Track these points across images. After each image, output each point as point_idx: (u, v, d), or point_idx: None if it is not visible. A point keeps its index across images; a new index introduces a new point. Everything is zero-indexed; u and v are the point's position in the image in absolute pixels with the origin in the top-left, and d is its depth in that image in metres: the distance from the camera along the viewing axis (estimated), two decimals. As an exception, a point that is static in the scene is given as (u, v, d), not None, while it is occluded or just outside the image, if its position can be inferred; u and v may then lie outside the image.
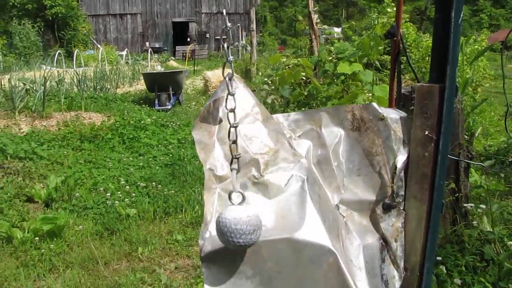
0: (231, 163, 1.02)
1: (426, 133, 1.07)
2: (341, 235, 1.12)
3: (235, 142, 1.02)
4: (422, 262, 1.15)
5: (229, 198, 0.98)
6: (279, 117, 1.23)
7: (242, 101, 1.10)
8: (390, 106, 1.33)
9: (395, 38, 1.21)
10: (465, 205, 2.74)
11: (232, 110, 1.01)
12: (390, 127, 1.20)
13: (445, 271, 2.48)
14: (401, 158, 1.20)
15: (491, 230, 2.69)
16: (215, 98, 1.09)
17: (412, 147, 1.16)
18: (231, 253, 0.99)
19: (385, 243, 1.20)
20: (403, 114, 1.22)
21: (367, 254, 1.18)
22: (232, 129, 1.01)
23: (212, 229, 1.00)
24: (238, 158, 1.02)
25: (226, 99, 1.02)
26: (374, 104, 1.20)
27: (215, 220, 0.97)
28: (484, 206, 2.80)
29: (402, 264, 1.20)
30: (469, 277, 2.46)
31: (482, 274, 2.48)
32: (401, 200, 1.20)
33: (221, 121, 1.09)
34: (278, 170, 1.09)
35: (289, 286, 1.03)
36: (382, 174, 1.21)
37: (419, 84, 1.07)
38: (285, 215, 1.04)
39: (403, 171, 1.20)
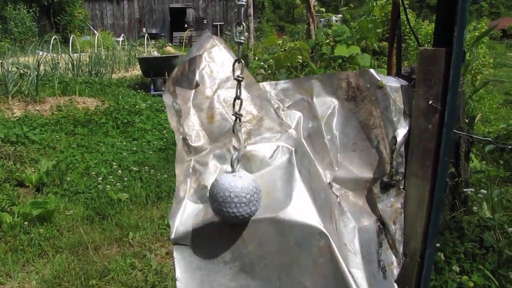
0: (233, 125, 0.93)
1: (430, 102, 0.96)
2: (334, 216, 1.00)
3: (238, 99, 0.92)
4: (423, 247, 1.05)
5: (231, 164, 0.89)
6: (266, 85, 1.10)
7: (222, 62, 0.98)
8: (389, 74, 1.21)
9: (396, -2, 1.10)
10: (465, 190, 2.65)
11: (238, 98, 0.92)
12: (389, 97, 1.08)
13: (443, 258, 2.42)
14: (401, 131, 1.07)
15: (491, 216, 2.62)
16: (190, 57, 0.96)
17: (413, 118, 1.04)
18: (207, 235, 0.88)
19: (382, 225, 1.09)
20: (404, 82, 1.10)
21: (362, 237, 1.06)
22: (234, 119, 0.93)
23: (185, 207, 0.89)
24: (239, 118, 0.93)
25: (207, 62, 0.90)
26: (372, 70, 1.07)
27: (211, 186, 0.87)
28: (485, 191, 2.72)
29: (401, 249, 1.09)
30: (468, 264, 2.41)
31: (481, 261, 2.42)
32: (400, 178, 1.09)
33: (197, 85, 0.96)
34: (262, 141, 0.96)
35: (274, 273, 0.91)
36: (380, 149, 1.09)
37: (422, 48, 0.95)
38: (269, 191, 0.91)
39: (403, 146, 1.08)
